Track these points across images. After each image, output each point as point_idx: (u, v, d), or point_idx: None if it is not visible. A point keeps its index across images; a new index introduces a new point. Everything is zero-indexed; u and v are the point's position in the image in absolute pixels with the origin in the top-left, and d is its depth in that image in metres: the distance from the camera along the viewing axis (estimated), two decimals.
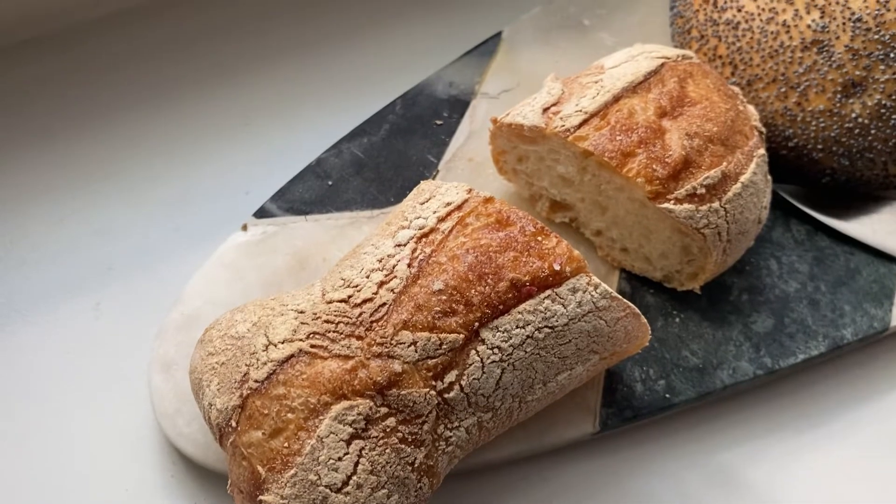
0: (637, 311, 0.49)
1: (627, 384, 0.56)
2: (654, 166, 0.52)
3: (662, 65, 0.57)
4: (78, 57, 0.70)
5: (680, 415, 0.58)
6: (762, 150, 0.57)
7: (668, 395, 0.56)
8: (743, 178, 0.55)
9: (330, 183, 0.62)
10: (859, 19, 0.57)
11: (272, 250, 0.59)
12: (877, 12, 0.57)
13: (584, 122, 0.54)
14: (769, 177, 0.59)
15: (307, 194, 0.61)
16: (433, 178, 0.63)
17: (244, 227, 0.60)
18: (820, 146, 0.61)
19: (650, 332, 0.51)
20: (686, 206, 0.53)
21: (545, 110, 0.56)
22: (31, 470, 0.53)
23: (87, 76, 0.69)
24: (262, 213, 0.60)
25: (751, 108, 0.59)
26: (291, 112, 0.68)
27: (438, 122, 0.66)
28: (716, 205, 0.54)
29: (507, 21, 0.71)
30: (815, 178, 0.63)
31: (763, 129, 0.58)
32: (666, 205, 0.53)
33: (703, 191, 0.53)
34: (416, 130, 0.65)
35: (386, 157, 0.64)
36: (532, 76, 0.68)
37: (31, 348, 0.58)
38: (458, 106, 0.66)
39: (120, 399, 0.55)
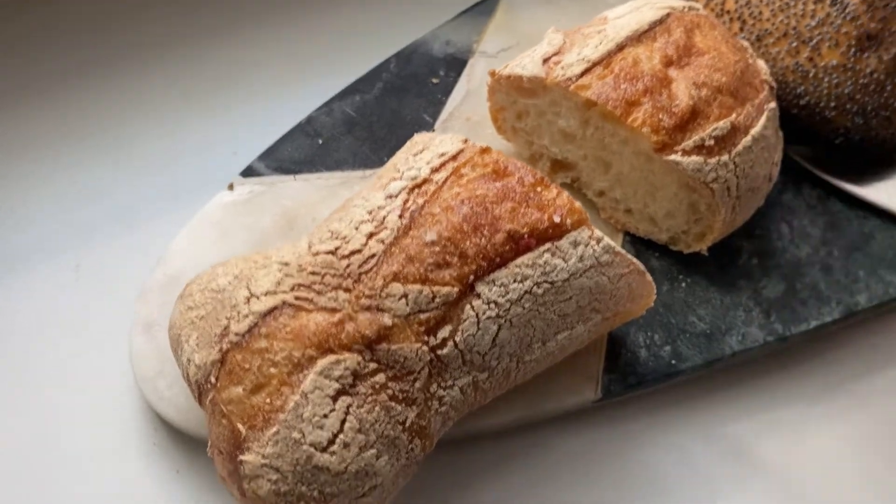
0: (642, 267, 0.47)
1: (631, 349, 0.54)
2: (660, 116, 0.50)
3: (668, 15, 0.55)
4: (59, 12, 0.67)
5: (685, 384, 0.55)
6: (773, 104, 0.54)
7: (674, 362, 0.53)
8: (753, 132, 0.52)
9: (320, 142, 0.60)
10: None
11: (259, 210, 0.56)
12: None
13: (587, 70, 0.51)
14: (780, 133, 0.56)
15: (296, 153, 0.59)
16: None
17: (230, 187, 0.57)
18: (833, 104, 0.58)
19: (655, 291, 0.48)
20: (694, 158, 0.50)
21: (545, 60, 0.53)
22: (6, 437, 0.51)
23: (68, 32, 0.66)
24: (249, 172, 0.58)
25: (761, 62, 0.56)
26: (282, 70, 0.65)
27: (434, 81, 0.63)
28: (725, 158, 0.51)
29: None
30: (828, 139, 0.61)
31: (774, 84, 0.56)
32: (673, 157, 0.50)
33: (712, 143, 0.51)
34: (411, 89, 0.63)
35: (379, 116, 0.61)
36: (531, 35, 0.66)
37: (7, 311, 0.55)
38: (455, 64, 0.64)
39: (100, 363, 0.53)
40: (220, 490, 0.50)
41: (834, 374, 0.57)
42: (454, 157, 0.46)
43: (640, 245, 0.58)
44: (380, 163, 0.59)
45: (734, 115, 0.52)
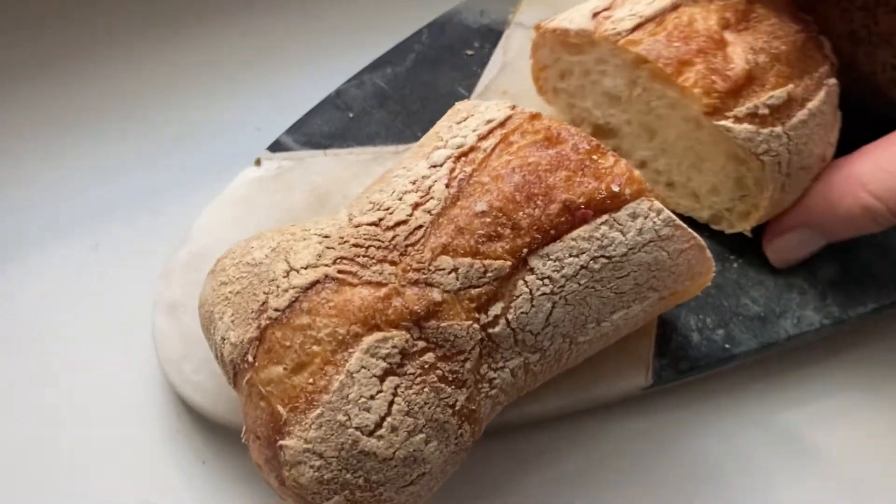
0: (702, 242, 0.44)
1: (683, 333, 0.51)
2: (713, 78, 0.47)
3: None
4: None
5: (738, 370, 0.53)
6: (833, 81, 0.51)
7: (727, 346, 0.50)
8: (810, 105, 0.49)
9: (351, 115, 0.57)
10: None
11: (288, 186, 0.53)
12: None
13: (638, 26, 0.48)
14: (839, 112, 0.53)
15: (326, 127, 0.56)
16: None
17: (257, 162, 0.54)
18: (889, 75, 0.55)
19: (714, 268, 0.45)
20: (746, 125, 0.47)
21: (595, 15, 0.50)
22: (25, 422, 0.48)
23: (87, 4, 0.63)
24: (277, 147, 0.55)
25: (823, 37, 0.53)
26: (309, 43, 0.63)
27: (469, 53, 0.60)
28: (778, 129, 0.48)
29: None
30: (884, 114, 0.58)
31: (835, 60, 0.53)
32: (724, 122, 0.47)
33: (766, 111, 0.47)
34: (445, 61, 0.60)
35: (412, 89, 0.58)
36: (570, 6, 0.63)
37: (25, 292, 0.52)
38: (491, 36, 0.61)
39: (121, 346, 0.50)
40: (248, 481, 0.47)
41: (891, 361, 0.54)
42: (502, 124, 0.43)
43: (690, 224, 0.55)
44: (413, 137, 0.56)
45: (791, 86, 0.49)
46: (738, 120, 0.47)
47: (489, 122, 0.43)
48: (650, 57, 0.48)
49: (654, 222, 0.42)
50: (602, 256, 0.41)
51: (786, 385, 0.53)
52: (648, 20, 0.49)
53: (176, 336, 0.48)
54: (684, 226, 0.43)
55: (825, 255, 0.54)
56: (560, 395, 0.48)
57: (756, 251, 0.54)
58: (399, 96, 0.58)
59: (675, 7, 0.49)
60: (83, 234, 0.54)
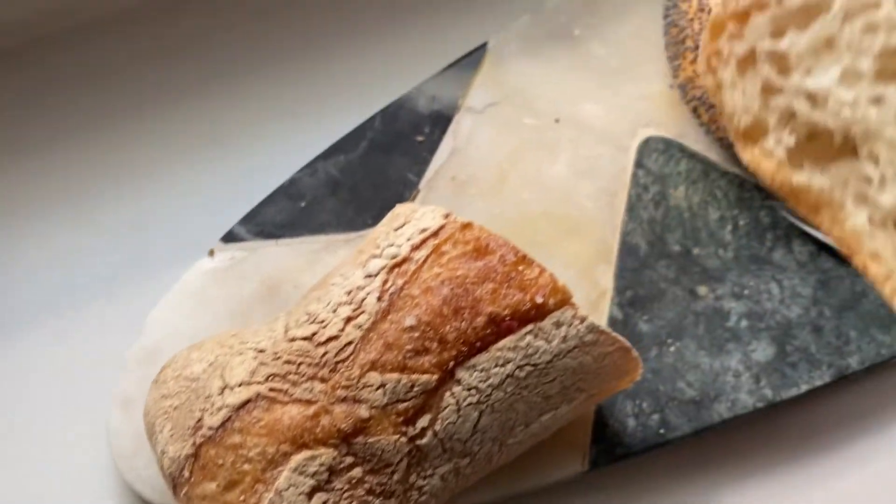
0: (627, 344, 0.46)
1: (619, 419, 0.53)
2: None
3: None
4: (27, 72, 0.66)
5: (675, 449, 0.55)
6: None
7: (662, 431, 0.52)
8: None
9: (303, 204, 0.59)
10: None
11: (241, 277, 0.55)
12: None
13: None
14: None
15: (279, 217, 0.58)
16: (413, 198, 0.60)
17: (211, 253, 0.56)
18: None
19: (641, 365, 0.47)
20: None
21: None
22: None
23: (41, 90, 0.65)
24: (230, 238, 0.57)
25: None
26: (265, 129, 0.64)
27: (420, 139, 0.62)
28: None
29: (494, 31, 0.67)
30: None
31: None
32: None
33: None
34: (397, 147, 0.62)
35: (364, 176, 0.60)
36: (519, 89, 0.65)
37: None
38: (441, 121, 0.63)
39: (77, 439, 0.52)
40: None
41: (825, 437, 0.56)
42: (435, 234, 0.45)
43: (629, 308, 0.57)
44: (363, 225, 0.58)
45: None
46: None
47: (423, 230, 0.46)
48: None
49: (578, 329, 0.44)
50: (528, 364, 0.43)
51: (722, 463, 0.55)
52: None
53: (129, 431, 0.50)
54: (608, 331, 0.45)
55: (763, 337, 0.56)
56: (495, 486, 0.50)
57: (694, 335, 0.56)
58: (351, 184, 0.60)
59: None
60: (40, 324, 0.56)
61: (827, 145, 0.26)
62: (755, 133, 0.26)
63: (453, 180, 0.61)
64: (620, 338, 0.45)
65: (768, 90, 0.26)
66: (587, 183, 0.61)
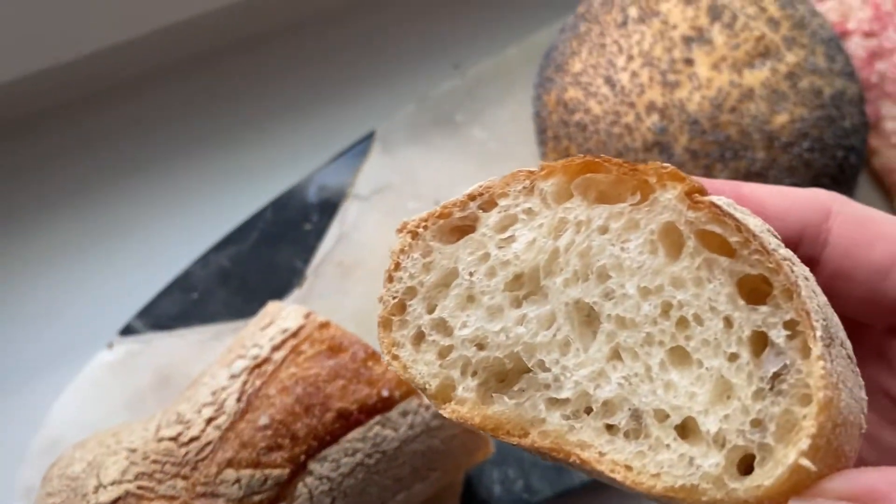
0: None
1: (486, 486, 0.58)
2: None
3: None
4: None
5: None
6: None
7: (526, 496, 0.57)
8: None
9: (196, 296, 0.63)
10: (695, 122, 0.60)
11: (136, 369, 0.60)
12: (711, 114, 0.60)
13: None
14: None
15: (173, 309, 0.63)
16: (301, 285, 0.65)
17: (110, 346, 0.61)
18: None
19: (490, 441, 0.52)
20: None
21: None
22: None
23: None
24: (127, 331, 0.62)
25: None
26: (161, 222, 0.69)
27: (308, 227, 0.67)
28: None
29: (381, 120, 0.72)
30: None
31: None
32: None
33: None
34: (286, 236, 0.66)
35: (254, 266, 0.65)
36: (405, 174, 0.70)
37: None
38: (329, 209, 0.68)
39: None
40: None
41: None
42: (295, 334, 0.50)
43: None
44: (251, 313, 0.62)
45: None
46: None
47: (284, 331, 0.50)
48: None
49: (424, 416, 0.49)
50: (376, 452, 0.48)
51: None
52: None
53: None
54: None
55: None
56: None
57: None
58: (241, 274, 0.65)
59: None
60: None
61: (502, 373, 0.32)
62: (446, 393, 0.32)
63: (339, 265, 0.66)
64: None
65: (442, 353, 0.33)
66: None
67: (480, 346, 0.32)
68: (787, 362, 0.28)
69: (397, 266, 0.32)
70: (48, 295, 0.65)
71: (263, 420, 0.46)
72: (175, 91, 0.74)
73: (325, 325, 0.51)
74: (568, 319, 0.31)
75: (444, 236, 0.33)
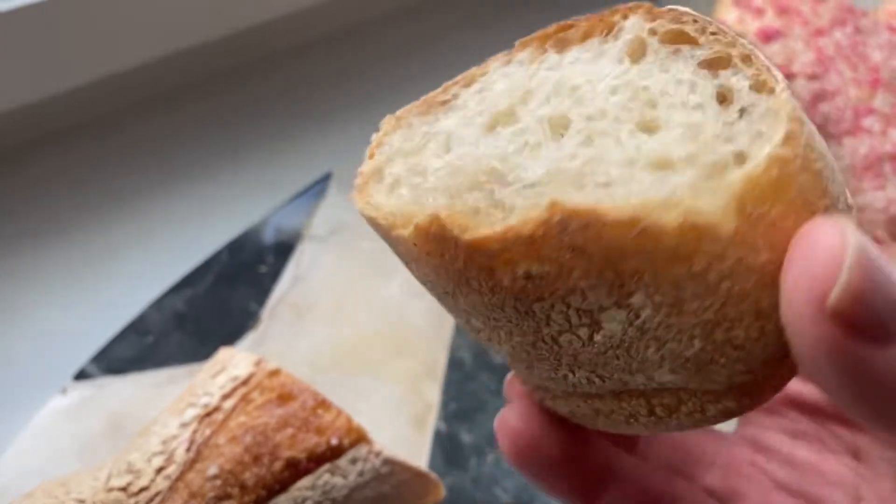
0: (422, 471, 0.51)
1: None
2: None
3: None
4: None
5: None
6: None
7: None
8: None
9: (150, 339, 0.64)
10: None
11: (89, 414, 0.60)
12: None
13: None
14: None
15: (127, 353, 0.63)
16: (256, 327, 0.65)
17: (64, 391, 0.61)
18: None
19: (441, 486, 0.53)
20: None
21: None
22: None
23: None
24: (81, 376, 0.62)
25: None
26: (116, 265, 0.69)
27: (263, 269, 0.68)
28: None
29: (339, 160, 0.74)
30: None
31: None
32: None
33: None
34: (241, 278, 0.67)
35: (209, 309, 0.65)
36: (360, 215, 0.71)
37: None
38: (284, 250, 0.69)
39: None
40: None
41: None
42: (245, 382, 0.51)
43: (453, 420, 0.63)
44: (206, 357, 0.63)
45: None
46: None
47: (234, 378, 0.51)
48: None
49: (374, 463, 0.49)
50: (326, 500, 0.48)
51: None
52: None
53: None
54: (402, 461, 0.50)
55: None
56: None
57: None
58: (196, 316, 0.65)
59: None
60: None
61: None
62: (412, 214, 0.30)
63: (294, 307, 0.66)
64: (415, 465, 0.51)
65: (416, 188, 0.30)
66: (418, 302, 0.67)
67: (454, 173, 0.30)
68: (754, 101, 0.28)
69: (380, 144, 0.31)
70: (4, 340, 0.65)
71: (212, 470, 0.47)
72: (124, 135, 0.74)
73: (275, 373, 0.51)
74: (540, 127, 0.30)
75: (426, 116, 0.32)
